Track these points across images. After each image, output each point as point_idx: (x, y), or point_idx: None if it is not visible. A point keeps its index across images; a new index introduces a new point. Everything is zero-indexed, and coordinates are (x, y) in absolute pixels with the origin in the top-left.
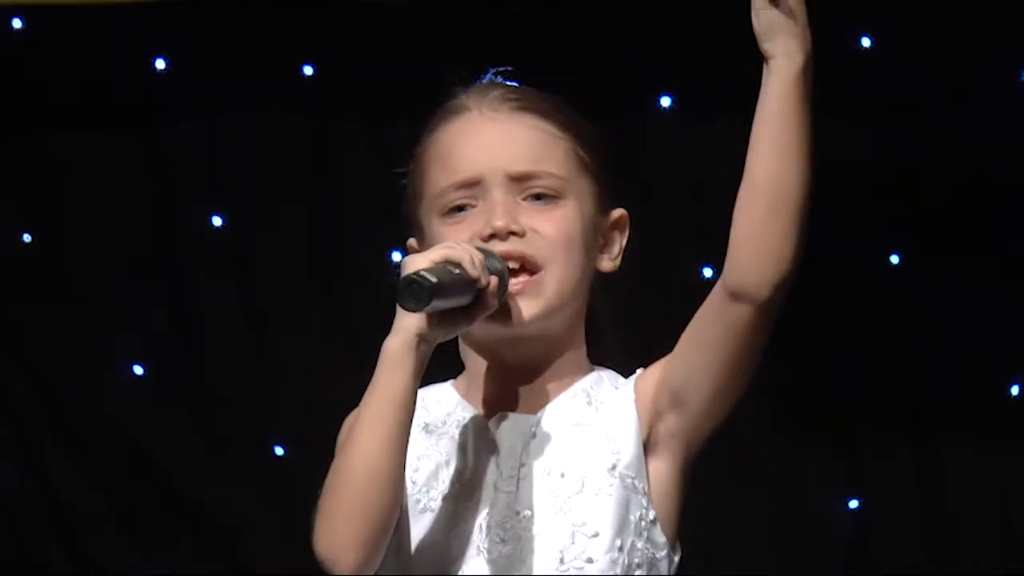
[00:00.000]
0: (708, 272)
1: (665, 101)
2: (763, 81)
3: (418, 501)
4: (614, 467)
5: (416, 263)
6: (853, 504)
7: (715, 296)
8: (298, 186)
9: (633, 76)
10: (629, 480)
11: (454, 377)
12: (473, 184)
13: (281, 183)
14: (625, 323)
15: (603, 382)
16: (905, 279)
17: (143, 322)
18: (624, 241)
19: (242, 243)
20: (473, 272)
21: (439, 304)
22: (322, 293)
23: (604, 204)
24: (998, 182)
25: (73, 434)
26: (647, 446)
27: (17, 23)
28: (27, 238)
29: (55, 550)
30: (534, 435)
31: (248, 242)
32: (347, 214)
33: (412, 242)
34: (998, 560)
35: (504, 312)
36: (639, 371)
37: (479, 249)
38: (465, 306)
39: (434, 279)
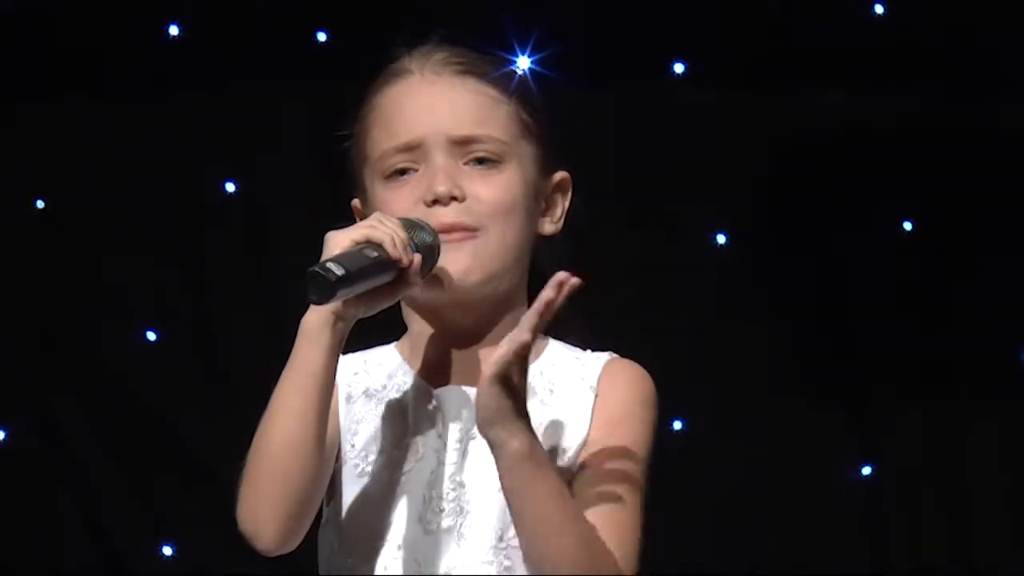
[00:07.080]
0: (721, 239)
1: (678, 68)
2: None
3: (356, 466)
4: (563, 454)
5: (337, 241)
6: (866, 471)
7: None
8: (312, 153)
9: (646, 43)
10: (569, 472)
11: (397, 339)
12: (414, 148)
13: (294, 150)
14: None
15: (563, 361)
16: (918, 246)
17: (157, 288)
18: (567, 204)
19: (256, 210)
20: (394, 253)
21: (349, 292)
22: None
23: (546, 167)
24: (1014, 149)
25: (88, 399)
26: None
27: None
28: (41, 204)
29: (69, 513)
30: None
31: (262, 209)
32: None
33: (356, 203)
34: (1011, 525)
35: (442, 276)
36: (608, 357)
37: (409, 222)
38: (387, 283)
39: (340, 271)
